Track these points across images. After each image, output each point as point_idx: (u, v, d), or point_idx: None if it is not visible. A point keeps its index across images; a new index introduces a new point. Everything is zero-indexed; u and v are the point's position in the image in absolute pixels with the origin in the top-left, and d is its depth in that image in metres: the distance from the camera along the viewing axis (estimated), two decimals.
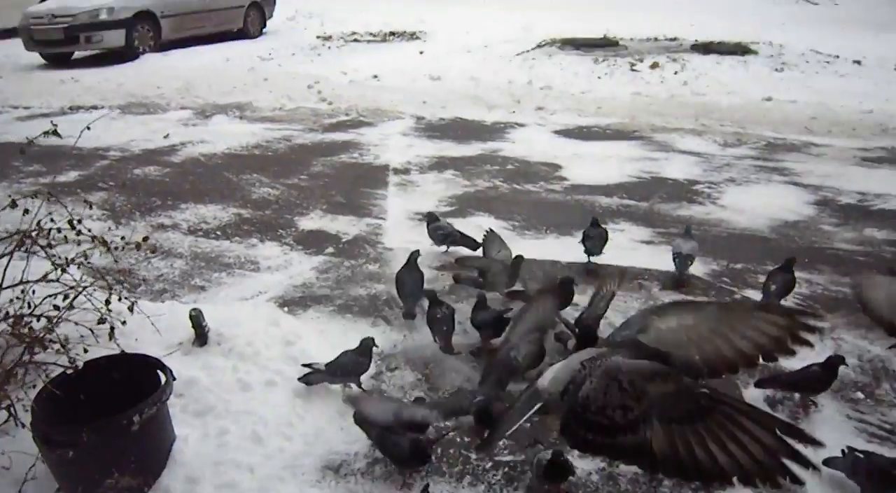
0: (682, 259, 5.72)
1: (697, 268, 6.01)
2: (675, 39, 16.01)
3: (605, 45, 15.09)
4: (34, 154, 9.22)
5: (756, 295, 5.53)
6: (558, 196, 7.76)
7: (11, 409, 3.81)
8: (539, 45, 14.85)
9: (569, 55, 14.12)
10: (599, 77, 12.82)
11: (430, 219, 6.40)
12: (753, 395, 4.41)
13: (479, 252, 6.08)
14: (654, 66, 13.34)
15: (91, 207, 4.51)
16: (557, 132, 10.11)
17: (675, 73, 12.93)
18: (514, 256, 5.57)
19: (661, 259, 6.11)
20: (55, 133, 4.31)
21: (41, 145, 7.89)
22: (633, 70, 13.17)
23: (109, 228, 6.01)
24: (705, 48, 14.43)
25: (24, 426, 3.74)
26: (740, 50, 14.24)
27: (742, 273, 6.00)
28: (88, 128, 5.00)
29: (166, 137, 10.68)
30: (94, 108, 12.94)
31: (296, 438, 4.07)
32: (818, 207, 7.52)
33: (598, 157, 8.99)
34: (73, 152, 9.08)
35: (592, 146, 9.44)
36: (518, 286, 5.46)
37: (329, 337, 5.07)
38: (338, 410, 4.26)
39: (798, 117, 10.69)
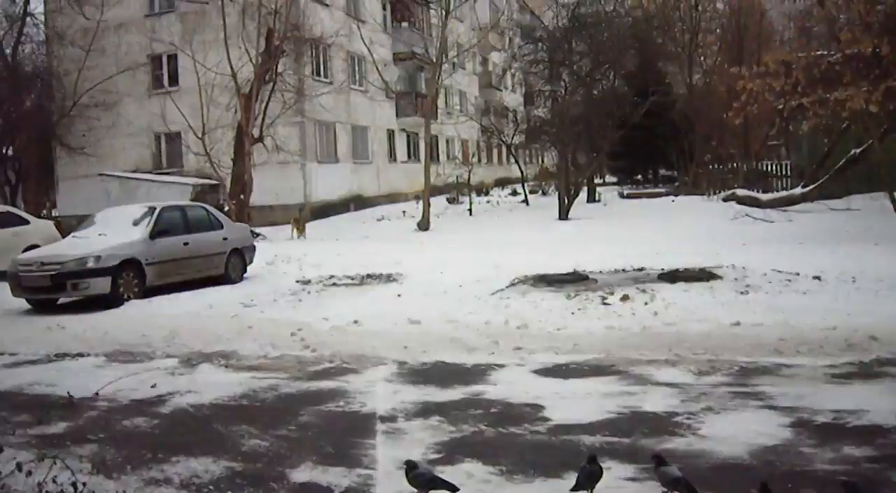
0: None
1: None
2: (642, 269, 16.71)
3: (575, 280, 15.71)
4: (22, 403, 9.40)
5: None
6: (543, 437, 7.94)
7: None
8: (512, 284, 15.44)
9: (542, 292, 14.68)
10: (573, 313, 13.28)
11: (410, 466, 6.55)
12: None
13: None
14: (625, 298, 13.87)
15: (78, 458, 4.64)
16: (536, 372, 10.41)
17: (646, 304, 13.44)
18: None
19: None
20: (70, 400, 4.58)
21: (29, 394, 8.18)
22: (604, 303, 13.67)
23: (101, 482, 6.07)
24: (672, 277, 15.07)
25: None
26: (706, 276, 14.90)
27: None
28: (97, 393, 5.27)
29: (154, 386, 10.85)
30: (80, 355, 13.16)
31: None
32: (795, 429, 7.75)
33: (579, 395, 9.25)
34: (60, 403, 9.24)
35: (572, 384, 9.72)
36: None
37: None
38: None
39: (766, 340, 11.10)
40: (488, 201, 44.69)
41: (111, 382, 10.08)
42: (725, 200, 33.76)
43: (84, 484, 4.51)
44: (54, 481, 4.37)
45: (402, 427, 8.57)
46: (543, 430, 8.18)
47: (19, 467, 4.29)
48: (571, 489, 6.36)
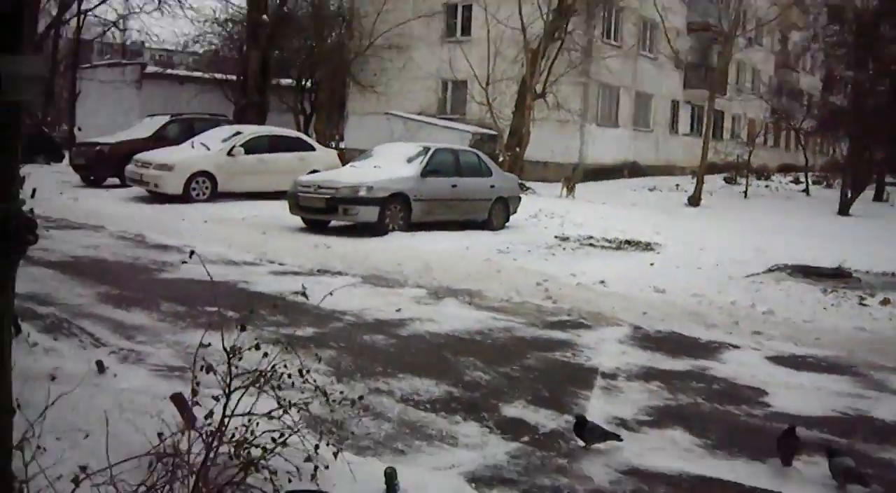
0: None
1: None
2: None
3: (836, 276, 15.06)
4: (279, 307, 10.35)
5: None
6: (757, 421, 7.88)
7: None
8: (769, 270, 15.03)
9: (797, 282, 14.21)
10: (825, 308, 12.79)
11: (580, 421, 6.84)
12: None
13: None
14: (886, 302, 13.18)
15: (319, 361, 5.20)
16: (770, 358, 10.20)
17: None
18: None
19: None
20: (303, 294, 5.16)
21: (287, 300, 9.06)
22: (861, 304, 13.07)
23: (332, 382, 6.71)
24: None
25: None
26: None
27: None
28: (331, 294, 5.90)
29: (398, 310, 11.64)
30: (340, 274, 14.28)
31: None
32: None
33: (808, 388, 9.03)
34: (313, 311, 10.11)
35: (803, 377, 9.48)
36: None
37: None
38: None
39: None
40: (766, 186, 42.99)
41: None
42: None
43: (308, 371, 5.06)
44: (285, 365, 4.95)
45: (621, 386, 8.76)
46: (760, 414, 8.10)
47: (257, 346, 4.87)
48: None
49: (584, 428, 6.79)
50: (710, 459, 6.91)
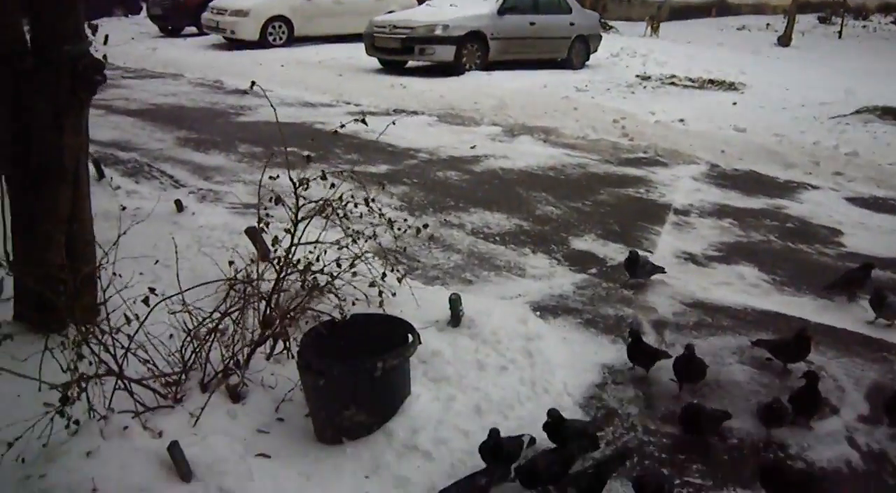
0: None
1: None
2: None
3: None
4: (354, 145, 10.46)
5: None
6: (830, 260, 7.76)
7: (287, 343, 4.71)
8: (857, 112, 14.45)
9: (886, 125, 13.66)
10: None
11: (633, 257, 6.77)
12: None
13: None
14: None
15: (389, 194, 5.25)
16: (849, 199, 9.95)
17: None
18: None
19: None
20: (363, 122, 5.17)
21: (361, 139, 9.10)
22: None
23: (405, 219, 6.80)
24: None
25: (293, 358, 4.59)
26: None
27: None
28: (394, 123, 5.93)
29: (473, 147, 11.61)
30: (416, 113, 14.24)
31: (512, 418, 4.64)
32: None
33: (885, 230, 8.80)
34: (387, 149, 10.15)
35: (882, 218, 9.23)
36: None
37: (569, 343, 5.62)
38: (557, 404, 4.78)
39: None
40: (864, 26, 40.77)
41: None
42: None
43: (374, 199, 5.12)
44: (352, 196, 5.01)
45: (693, 222, 8.69)
46: (833, 253, 7.98)
47: (324, 176, 4.91)
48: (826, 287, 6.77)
49: (636, 264, 6.75)
50: (777, 295, 6.87)
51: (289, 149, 5.18)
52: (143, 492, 3.62)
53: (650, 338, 5.83)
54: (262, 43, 22.16)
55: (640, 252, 6.97)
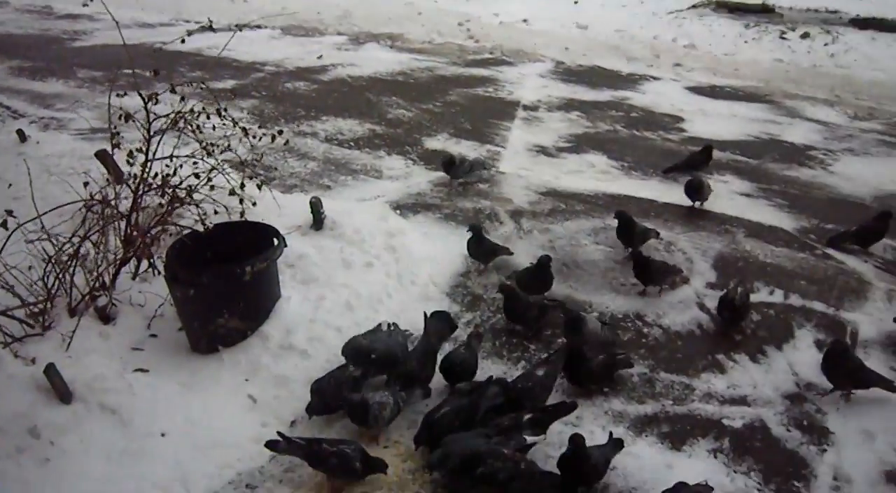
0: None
1: (786, 222, 6.38)
2: (835, 12, 15.70)
3: (760, 11, 14.99)
4: (199, 63, 10.16)
5: (836, 253, 5.88)
6: (673, 145, 8.11)
7: (151, 260, 4.63)
8: (693, 6, 14.89)
9: (721, 18, 14.14)
10: (746, 41, 12.84)
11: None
12: None
13: None
14: (805, 36, 13.26)
15: (238, 108, 5.10)
16: (689, 88, 10.36)
17: (825, 44, 12.82)
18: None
19: (754, 211, 6.54)
20: (210, 28, 5.00)
21: (205, 56, 8.76)
22: (782, 37, 13.14)
23: (259, 129, 6.65)
24: (864, 23, 14.16)
25: (160, 274, 4.52)
26: None
27: (829, 233, 6.23)
28: (240, 29, 5.69)
29: (319, 58, 11.46)
30: (259, 27, 13.83)
31: (382, 311, 4.76)
32: None
33: (724, 115, 9.25)
34: (232, 64, 9.90)
35: (720, 105, 9.68)
36: None
37: (431, 237, 5.73)
38: (424, 294, 4.89)
39: None
40: None
41: None
42: None
43: (226, 109, 4.96)
44: (203, 109, 4.84)
45: (542, 117, 8.88)
46: (676, 139, 8.33)
47: (173, 89, 4.73)
48: (665, 171, 7.14)
49: (452, 166, 6.77)
50: (626, 179, 7.16)
51: (132, 70, 4.97)
52: (23, 417, 3.58)
53: (508, 227, 5.99)
54: None
55: (459, 154, 7.06)
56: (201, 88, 5.13)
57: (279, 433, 3.61)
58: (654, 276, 5.11)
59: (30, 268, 4.38)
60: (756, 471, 3.69)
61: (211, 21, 5.17)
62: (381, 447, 3.73)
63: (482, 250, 5.36)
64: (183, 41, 5.29)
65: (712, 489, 3.44)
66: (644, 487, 3.57)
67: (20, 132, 7.25)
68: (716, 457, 3.76)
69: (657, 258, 5.45)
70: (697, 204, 6.48)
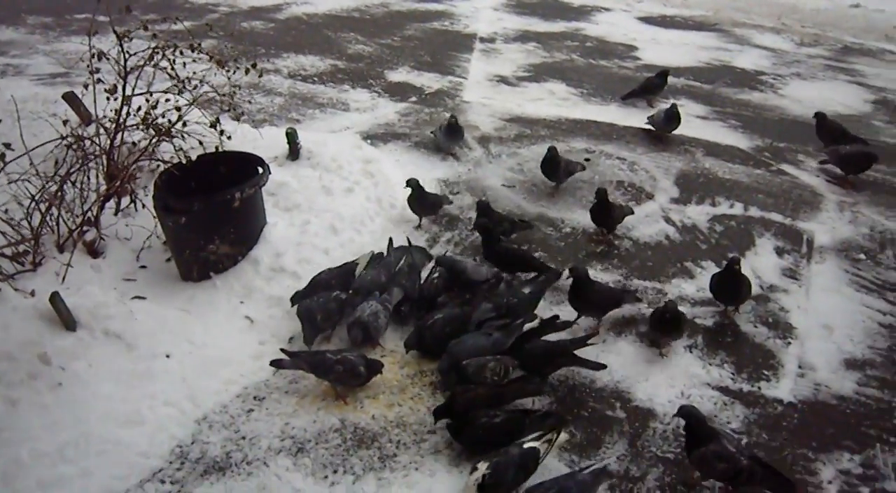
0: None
1: (742, 142, 6.68)
2: None
3: None
4: (148, 6, 10.06)
5: (790, 169, 6.19)
6: (629, 72, 8.34)
7: (133, 194, 4.75)
8: None
9: None
10: None
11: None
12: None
13: None
14: None
15: (199, 45, 5.11)
16: (640, 19, 10.60)
17: None
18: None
19: (710, 132, 6.83)
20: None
21: None
22: None
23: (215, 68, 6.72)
24: None
25: (143, 206, 4.65)
26: None
27: (783, 151, 6.58)
28: None
29: None
30: None
31: (365, 233, 4.98)
32: (875, 105, 7.94)
33: (675, 43, 9.50)
34: (185, 5, 9.86)
35: (671, 34, 9.93)
36: None
37: (403, 165, 5.93)
38: (402, 216, 5.10)
39: (881, 25, 10.86)
40: None
41: None
42: None
43: (200, 44, 5.01)
44: (175, 45, 4.90)
45: (499, 48, 9.05)
46: (631, 67, 8.56)
47: (145, 27, 4.76)
48: (623, 97, 7.39)
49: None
50: (586, 105, 7.40)
51: (84, 15, 4.98)
52: (32, 345, 3.72)
53: (477, 152, 6.21)
54: None
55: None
56: (175, 19, 5.20)
57: (283, 349, 3.82)
58: (608, 222, 5.09)
59: (6, 210, 4.45)
60: (729, 363, 4.01)
61: None
62: (378, 356, 3.95)
63: (426, 204, 5.24)
64: None
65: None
66: (627, 380, 3.85)
67: None
68: (691, 352, 4.07)
69: (622, 178, 5.74)
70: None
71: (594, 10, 10.91)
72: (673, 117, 6.45)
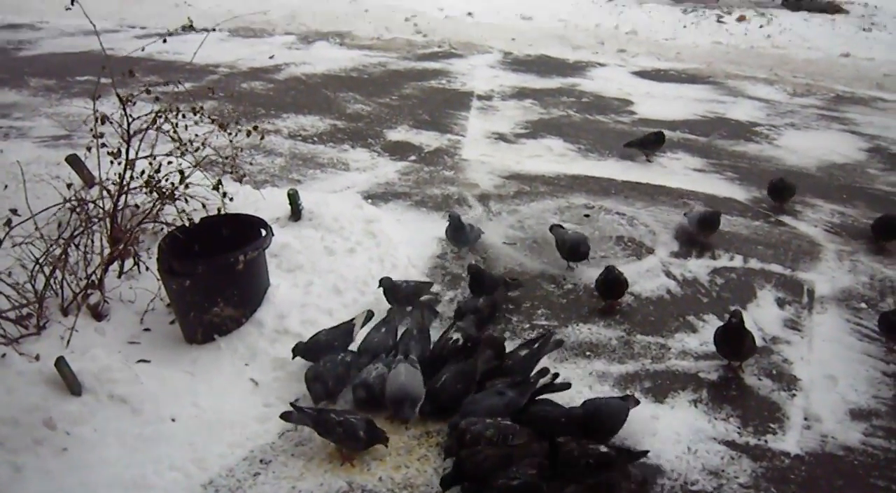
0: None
1: (739, 194, 6.74)
2: None
3: None
4: (151, 67, 10.21)
5: (788, 219, 6.25)
6: (625, 127, 8.44)
7: (137, 257, 4.80)
8: None
9: (659, 4, 14.55)
10: (685, 26, 13.26)
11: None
12: None
13: None
14: (742, 19, 13.72)
15: (201, 108, 5.20)
16: (635, 73, 10.74)
17: (761, 26, 13.29)
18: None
19: (708, 185, 6.90)
20: (191, 27, 5.11)
21: (158, 60, 8.83)
22: (719, 21, 13.58)
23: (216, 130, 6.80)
24: (796, 5, 14.68)
25: (147, 269, 4.69)
26: (831, 9, 14.44)
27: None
28: (214, 29, 5.82)
29: (271, 57, 11.58)
30: (206, 30, 13.84)
31: (368, 293, 4.99)
32: (869, 153, 8.01)
33: (670, 97, 9.61)
34: (186, 67, 9.99)
35: (666, 87, 10.06)
36: None
37: (404, 223, 5.98)
38: (405, 276, 5.13)
39: (872, 74, 11.01)
40: None
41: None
42: None
43: (202, 107, 5.11)
44: (178, 108, 4.98)
45: (496, 106, 9.16)
46: (627, 121, 8.66)
47: (147, 90, 4.84)
48: (625, 144, 7.47)
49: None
50: (584, 161, 7.47)
51: (86, 77, 5.06)
52: (37, 410, 3.72)
53: (477, 210, 6.25)
54: None
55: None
56: (178, 82, 5.28)
57: (292, 403, 3.84)
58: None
59: (9, 273, 4.48)
60: (735, 417, 4.00)
61: (191, 20, 5.26)
62: (383, 417, 3.95)
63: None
64: (164, 41, 5.46)
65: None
66: (634, 437, 3.83)
67: None
68: (696, 407, 4.07)
69: (622, 233, 5.80)
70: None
71: (589, 66, 11.06)
72: (706, 225, 5.84)
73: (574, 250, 5.27)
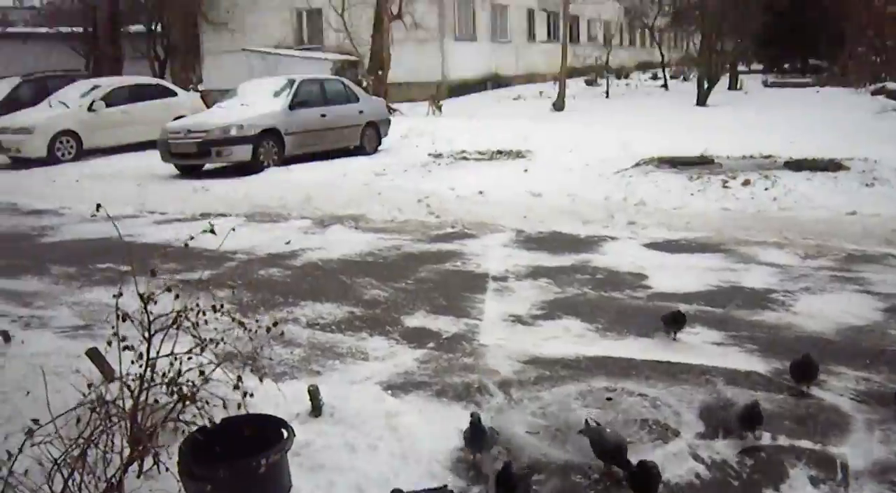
0: None
1: (760, 366, 6.71)
2: (769, 157, 16.61)
3: (701, 163, 15.81)
4: (170, 254, 10.42)
5: (813, 390, 6.20)
6: (640, 303, 8.50)
7: (157, 457, 4.78)
8: (637, 164, 15.68)
9: (665, 173, 14.89)
10: (692, 194, 13.52)
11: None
12: None
13: None
14: (746, 183, 13.98)
15: (217, 299, 5.34)
16: (646, 245, 10.89)
17: (766, 189, 13.53)
18: None
19: (729, 359, 6.87)
20: (212, 232, 5.27)
21: (175, 247, 9.09)
22: (724, 187, 13.84)
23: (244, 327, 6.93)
24: (798, 165, 14.99)
25: (167, 469, 4.67)
26: (832, 166, 14.72)
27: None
28: (233, 229, 6.05)
29: (288, 243, 11.85)
30: (223, 215, 14.29)
31: None
32: (886, 313, 8.00)
33: (683, 268, 9.72)
34: (204, 253, 10.24)
35: (678, 258, 10.19)
36: None
37: (426, 415, 5.92)
38: (429, 472, 5.08)
39: (880, 230, 11.14)
40: (627, 85, 44.09)
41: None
42: (874, 93, 32.25)
43: (222, 305, 5.24)
44: (198, 305, 5.10)
45: (512, 286, 9.26)
46: (643, 296, 8.73)
47: (169, 289, 4.99)
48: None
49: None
50: (602, 341, 7.48)
51: (106, 265, 5.20)
52: None
53: (498, 398, 6.24)
54: (50, 159, 21.65)
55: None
56: (180, 288, 5.38)
57: None
58: None
59: (25, 472, 4.44)
60: None
61: (212, 225, 5.41)
62: None
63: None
64: (186, 246, 5.52)
65: None
66: None
67: (4, 333, 7.35)
68: None
69: (646, 416, 5.75)
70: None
71: (601, 240, 11.25)
72: (745, 421, 5.55)
73: (617, 452, 5.00)
